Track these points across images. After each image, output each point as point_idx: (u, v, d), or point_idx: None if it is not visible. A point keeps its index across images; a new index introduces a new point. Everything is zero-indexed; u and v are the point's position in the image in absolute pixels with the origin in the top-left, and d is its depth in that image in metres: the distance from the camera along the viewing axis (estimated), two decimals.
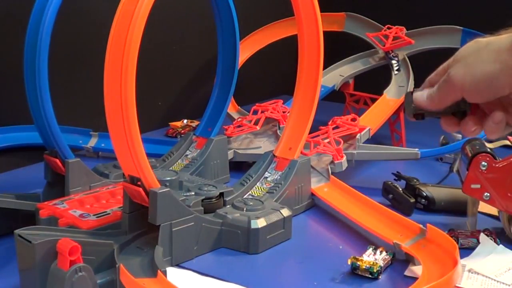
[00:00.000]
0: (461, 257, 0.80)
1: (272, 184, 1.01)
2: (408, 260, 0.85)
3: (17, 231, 0.71)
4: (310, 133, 1.09)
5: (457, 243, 0.85)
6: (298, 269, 0.86)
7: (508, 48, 0.53)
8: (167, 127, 1.57)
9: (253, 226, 0.87)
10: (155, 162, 1.13)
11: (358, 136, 1.19)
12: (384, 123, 1.33)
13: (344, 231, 0.97)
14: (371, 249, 0.85)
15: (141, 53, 0.74)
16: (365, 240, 0.92)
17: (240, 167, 1.22)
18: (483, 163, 0.86)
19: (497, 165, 0.86)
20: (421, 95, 0.61)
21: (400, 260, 0.85)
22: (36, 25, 0.90)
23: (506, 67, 0.52)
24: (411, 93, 0.62)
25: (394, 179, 1.11)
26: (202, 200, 0.91)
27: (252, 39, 1.59)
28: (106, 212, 0.87)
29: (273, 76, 1.91)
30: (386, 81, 1.44)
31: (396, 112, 1.39)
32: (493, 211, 0.97)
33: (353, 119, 1.24)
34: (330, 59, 1.32)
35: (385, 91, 1.40)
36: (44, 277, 0.69)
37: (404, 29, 1.50)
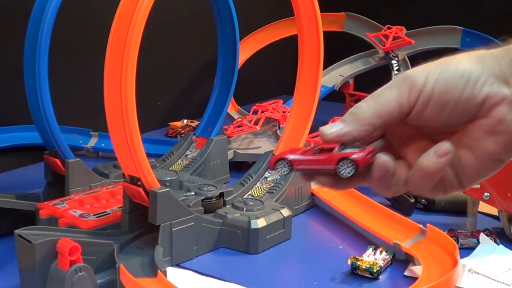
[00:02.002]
0: (461, 257, 0.80)
1: (272, 184, 1.01)
2: (408, 260, 0.85)
3: (17, 231, 0.71)
4: (310, 133, 1.09)
5: (457, 243, 0.85)
6: (298, 269, 0.86)
7: (495, 52, 0.39)
8: (167, 127, 1.56)
9: (253, 226, 0.87)
10: (155, 162, 1.13)
11: None
12: None
13: (344, 231, 0.97)
14: (371, 249, 0.85)
15: (141, 53, 0.74)
16: (365, 240, 0.92)
17: (240, 167, 1.22)
18: None
19: None
20: (331, 124, 0.41)
21: (400, 260, 0.85)
22: (36, 25, 0.90)
23: (489, 69, 0.39)
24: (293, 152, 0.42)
25: None
26: (202, 200, 0.91)
27: (252, 39, 1.59)
28: (106, 212, 0.87)
29: (273, 76, 1.91)
30: (386, 81, 1.43)
31: None
32: (493, 211, 0.97)
33: None
34: (330, 59, 1.32)
35: None
36: (44, 277, 0.69)
37: (404, 29, 1.50)
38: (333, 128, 0.41)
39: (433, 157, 0.38)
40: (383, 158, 0.39)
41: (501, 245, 0.88)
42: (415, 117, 0.40)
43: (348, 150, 0.40)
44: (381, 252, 0.84)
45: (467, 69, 0.38)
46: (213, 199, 0.93)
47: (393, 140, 0.43)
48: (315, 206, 1.07)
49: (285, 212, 0.92)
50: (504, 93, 0.38)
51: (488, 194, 0.87)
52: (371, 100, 0.41)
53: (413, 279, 0.79)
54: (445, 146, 0.38)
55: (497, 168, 0.40)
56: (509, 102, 0.38)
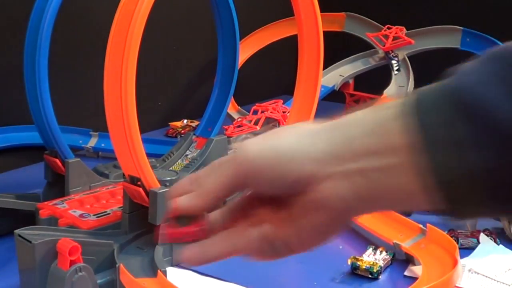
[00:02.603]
0: (461, 257, 0.80)
1: None
2: (408, 260, 0.85)
3: (17, 231, 0.71)
4: None
5: (457, 243, 0.85)
6: (298, 269, 0.86)
7: (326, 125, 0.41)
8: (167, 127, 1.56)
9: None
10: (155, 162, 1.13)
11: None
12: None
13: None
14: (371, 249, 0.85)
15: (141, 53, 0.74)
16: (365, 240, 0.92)
17: None
18: None
19: None
20: (185, 196, 0.41)
21: (400, 260, 0.85)
22: (36, 25, 0.90)
23: (308, 146, 0.38)
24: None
25: None
26: None
27: (252, 39, 1.59)
28: (106, 212, 0.87)
29: (273, 76, 1.91)
30: (386, 81, 1.44)
31: None
32: None
33: None
34: (330, 59, 1.32)
35: (385, 91, 1.40)
36: (44, 277, 0.69)
37: (404, 29, 1.50)
38: (185, 200, 0.41)
39: (244, 242, 0.40)
40: (186, 253, 0.40)
41: (501, 245, 0.88)
42: (251, 188, 0.41)
43: (180, 222, 0.41)
44: (381, 252, 0.84)
45: (286, 146, 0.38)
46: None
47: (244, 203, 0.43)
48: None
49: None
50: (316, 171, 0.37)
51: None
52: (214, 173, 0.41)
53: (413, 279, 0.79)
54: (252, 235, 0.40)
55: (326, 240, 0.41)
56: (323, 179, 0.37)
